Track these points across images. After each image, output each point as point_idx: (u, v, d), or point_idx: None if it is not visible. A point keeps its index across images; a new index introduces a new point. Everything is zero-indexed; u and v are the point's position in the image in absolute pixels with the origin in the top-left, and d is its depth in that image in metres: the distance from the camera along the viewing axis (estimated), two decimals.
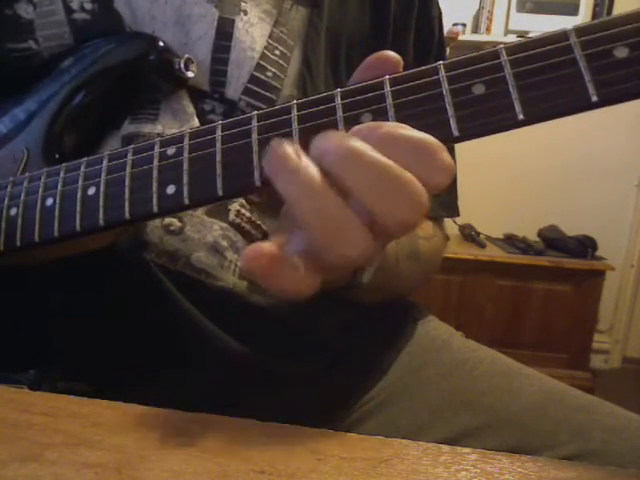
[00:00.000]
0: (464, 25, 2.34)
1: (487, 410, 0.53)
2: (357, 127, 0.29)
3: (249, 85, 0.48)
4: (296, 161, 0.28)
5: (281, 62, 0.50)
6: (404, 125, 0.29)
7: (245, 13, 0.49)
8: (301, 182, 0.28)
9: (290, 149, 0.28)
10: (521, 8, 2.36)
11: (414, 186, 0.28)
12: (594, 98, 0.27)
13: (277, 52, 0.50)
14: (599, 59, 0.27)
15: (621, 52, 0.27)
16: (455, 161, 0.63)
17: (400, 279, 0.55)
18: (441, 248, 0.61)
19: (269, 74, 0.49)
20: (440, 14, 0.60)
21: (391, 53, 0.33)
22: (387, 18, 0.55)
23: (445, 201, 0.61)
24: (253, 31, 0.49)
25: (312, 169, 0.28)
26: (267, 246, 0.29)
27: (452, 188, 0.63)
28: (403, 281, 0.56)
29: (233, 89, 0.49)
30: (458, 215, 0.63)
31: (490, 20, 2.37)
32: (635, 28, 0.27)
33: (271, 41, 0.50)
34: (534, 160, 2.41)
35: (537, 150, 2.39)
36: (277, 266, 0.28)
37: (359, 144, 0.28)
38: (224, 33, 0.48)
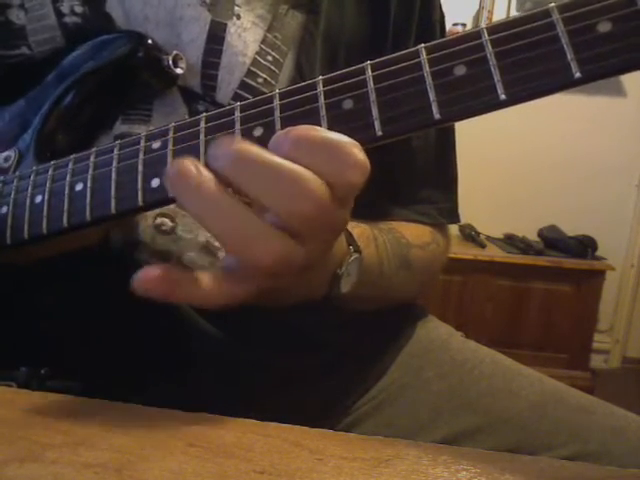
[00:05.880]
0: (464, 25, 2.33)
1: (487, 410, 0.53)
2: (275, 135, 0.30)
3: (239, 91, 0.48)
4: (197, 177, 0.28)
5: (273, 68, 0.49)
6: (316, 127, 0.29)
7: (238, 17, 0.48)
8: (203, 198, 0.28)
9: (189, 165, 0.29)
10: (521, 8, 2.36)
11: (306, 179, 0.28)
12: (577, 75, 0.27)
13: (269, 58, 0.49)
14: (582, 35, 0.27)
15: (604, 27, 0.27)
16: (456, 164, 0.63)
17: (391, 289, 0.54)
18: (439, 256, 0.60)
19: (260, 80, 0.48)
20: (442, 18, 0.59)
21: None
22: (387, 23, 0.54)
23: (445, 207, 0.60)
24: (246, 36, 0.48)
25: (211, 182, 0.28)
26: (153, 269, 0.30)
27: (452, 194, 0.62)
28: (394, 291, 0.55)
29: (223, 94, 0.48)
30: (459, 221, 0.63)
31: (490, 20, 2.37)
32: (618, 2, 0.26)
33: (264, 46, 0.49)
34: (534, 160, 2.40)
35: (537, 150, 2.39)
36: (172, 284, 0.29)
37: (245, 146, 0.28)
38: (216, 37, 0.48)
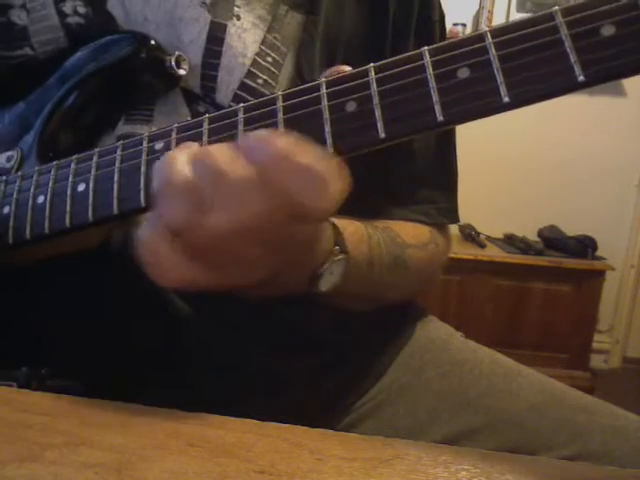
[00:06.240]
0: (464, 25, 2.33)
1: (487, 410, 0.53)
2: (248, 134, 0.29)
3: (238, 92, 0.48)
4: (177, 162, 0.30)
5: (272, 69, 0.49)
6: (304, 145, 0.28)
7: (238, 18, 0.48)
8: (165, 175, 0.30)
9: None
10: (521, 8, 2.36)
11: (246, 189, 0.28)
12: (581, 78, 0.27)
13: (269, 59, 0.49)
14: (585, 38, 0.27)
15: (608, 30, 0.27)
16: (456, 165, 0.62)
17: (384, 288, 0.54)
18: (438, 256, 0.60)
19: (260, 81, 0.48)
20: (442, 18, 0.59)
21: None
22: (386, 23, 0.54)
23: (445, 207, 0.60)
24: (245, 37, 0.48)
25: (183, 167, 0.29)
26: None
27: (452, 194, 0.62)
28: (388, 290, 0.55)
29: (223, 95, 0.48)
30: (458, 221, 0.63)
31: (490, 20, 2.37)
32: (622, 5, 0.26)
33: (263, 47, 0.49)
34: (534, 160, 2.40)
35: (537, 150, 2.39)
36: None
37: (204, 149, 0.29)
38: (215, 38, 0.48)
